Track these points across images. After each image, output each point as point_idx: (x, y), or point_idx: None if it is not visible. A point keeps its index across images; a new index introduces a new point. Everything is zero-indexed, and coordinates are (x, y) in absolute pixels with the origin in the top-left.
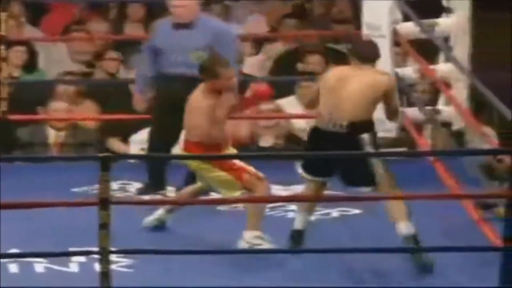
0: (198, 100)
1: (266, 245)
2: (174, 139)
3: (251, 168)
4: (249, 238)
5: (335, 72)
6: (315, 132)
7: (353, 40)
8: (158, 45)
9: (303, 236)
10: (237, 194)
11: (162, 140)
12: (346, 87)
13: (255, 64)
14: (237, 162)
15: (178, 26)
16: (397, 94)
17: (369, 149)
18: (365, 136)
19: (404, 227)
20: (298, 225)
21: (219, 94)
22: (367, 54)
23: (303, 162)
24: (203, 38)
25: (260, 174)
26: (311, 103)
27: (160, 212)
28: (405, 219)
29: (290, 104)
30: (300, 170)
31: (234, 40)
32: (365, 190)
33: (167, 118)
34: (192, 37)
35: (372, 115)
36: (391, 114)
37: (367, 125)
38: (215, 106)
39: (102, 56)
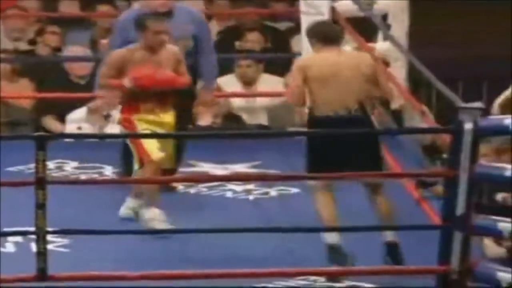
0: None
1: (161, 225)
2: None
3: (150, 148)
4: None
5: (319, 60)
6: (320, 122)
7: (313, 25)
8: (134, 39)
9: (341, 249)
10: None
11: None
12: (341, 71)
13: None
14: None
15: (159, 15)
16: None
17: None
18: (374, 116)
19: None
20: (329, 239)
21: (153, 52)
22: (334, 35)
23: (310, 168)
24: (187, 26)
25: (152, 157)
26: (300, 97)
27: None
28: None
29: (228, 83)
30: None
31: (208, 27)
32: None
33: None
34: (176, 26)
35: (370, 96)
36: (386, 91)
37: (373, 105)
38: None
39: (43, 31)
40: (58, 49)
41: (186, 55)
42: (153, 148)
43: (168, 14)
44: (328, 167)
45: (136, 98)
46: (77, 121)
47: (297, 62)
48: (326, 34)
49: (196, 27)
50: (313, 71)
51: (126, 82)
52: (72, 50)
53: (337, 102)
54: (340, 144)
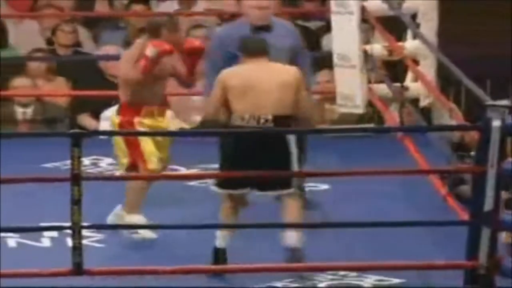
0: (128, 56)
1: (144, 233)
2: None
3: (148, 156)
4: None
5: (241, 71)
6: (232, 131)
7: (241, 39)
8: (234, 52)
9: (226, 254)
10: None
11: None
12: (261, 83)
13: None
14: (143, 144)
15: (259, 29)
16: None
17: (293, 144)
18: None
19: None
20: (221, 243)
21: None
22: (257, 48)
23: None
24: (287, 40)
25: (148, 167)
26: (216, 109)
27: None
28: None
29: None
30: (214, 188)
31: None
32: (283, 193)
33: None
34: (277, 40)
35: (292, 110)
36: (306, 107)
37: (290, 120)
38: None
39: (56, 31)
40: (76, 46)
41: None
42: (151, 157)
43: (266, 28)
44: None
45: (141, 100)
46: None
47: (219, 75)
48: (250, 48)
49: (292, 40)
50: (231, 82)
51: (149, 51)
52: (106, 49)
53: (249, 113)
54: (252, 149)
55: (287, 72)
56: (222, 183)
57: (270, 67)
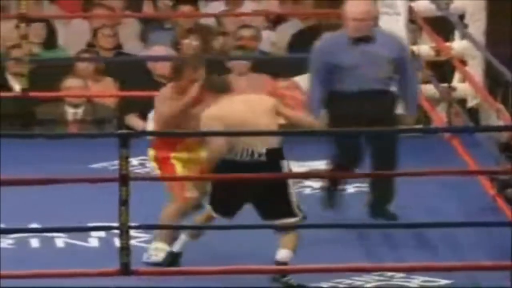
0: (162, 96)
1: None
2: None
3: (187, 187)
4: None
5: (225, 107)
6: (227, 166)
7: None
8: (334, 62)
9: (179, 259)
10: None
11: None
12: (248, 117)
13: (267, 40)
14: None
15: (358, 40)
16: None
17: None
18: (284, 162)
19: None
20: (177, 247)
21: (183, 94)
22: (221, 87)
23: (212, 198)
24: (391, 51)
25: (188, 195)
26: (221, 146)
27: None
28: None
29: (306, 81)
30: (209, 207)
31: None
32: (288, 221)
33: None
34: (379, 50)
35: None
36: (296, 118)
37: (282, 150)
38: (170, 105)
39: (97, 33)
40: (117, 48)
41: (387, 79)
42: (189, 186)
43: (366, 39)
44: (231, 200)
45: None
46: None
47: (212, 114)
48: (218, 87)
49: (396, 51)
50: (221, 120)
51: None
52: (155, 49)
53: (243, 147)
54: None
55: (263, 100)
56: (216, 207)
57: (248, 99)
